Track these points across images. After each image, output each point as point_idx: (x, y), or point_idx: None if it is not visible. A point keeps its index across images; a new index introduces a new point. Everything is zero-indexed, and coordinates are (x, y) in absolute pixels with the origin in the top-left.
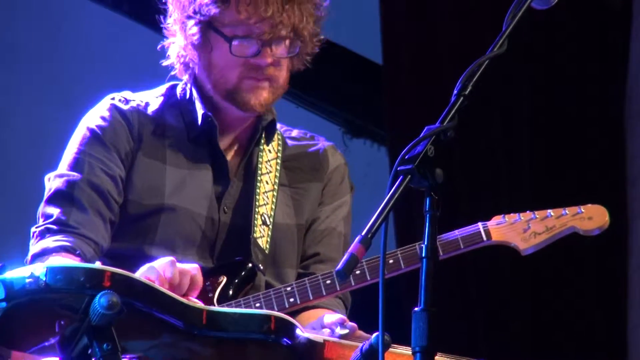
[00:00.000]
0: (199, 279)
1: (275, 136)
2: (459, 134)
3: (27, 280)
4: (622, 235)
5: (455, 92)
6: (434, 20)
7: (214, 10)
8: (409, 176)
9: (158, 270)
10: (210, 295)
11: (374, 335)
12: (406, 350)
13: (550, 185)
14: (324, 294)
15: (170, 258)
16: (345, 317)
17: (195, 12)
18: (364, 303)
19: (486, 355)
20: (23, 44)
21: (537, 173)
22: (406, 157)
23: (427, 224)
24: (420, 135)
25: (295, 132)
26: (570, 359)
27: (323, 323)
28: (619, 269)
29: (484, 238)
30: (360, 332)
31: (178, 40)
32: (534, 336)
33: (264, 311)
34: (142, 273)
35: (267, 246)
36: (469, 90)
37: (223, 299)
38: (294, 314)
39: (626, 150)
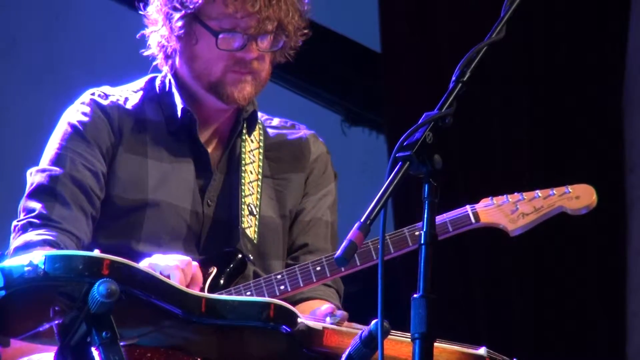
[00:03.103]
0: (199, 275)
1: (256, 125)
2: (458, 120)
3: (26, 269)
4: (621, 222)
5: (453, 78)
6: (432, 7)
7: (200, 2)
8: (408, 163)
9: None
10: (201, 285)
11: (374, 322)
12: (405, 337)
13: (548, 173)
14: (314, 280)
15: (176, 262)
16: (334, 306)
17: (180, 4)
18: (362, 291)
19: (486, 341)
20: (20, 34)
21: (535, 161)
22: (405, 143)
23: (425, 211)
24: (419, 122)
25: (275, 121)
26: (570, 345)
27: (315, 317)
28: (618, 255)
29: (473, 220)
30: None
31: (160, 30)
32: (533, 322)
33: (263, 299)
34: (163, 269)
35: (255, 236)
36: (467, 76)
37: (213, 289)
38: (292, 306)
39: (624, 136)
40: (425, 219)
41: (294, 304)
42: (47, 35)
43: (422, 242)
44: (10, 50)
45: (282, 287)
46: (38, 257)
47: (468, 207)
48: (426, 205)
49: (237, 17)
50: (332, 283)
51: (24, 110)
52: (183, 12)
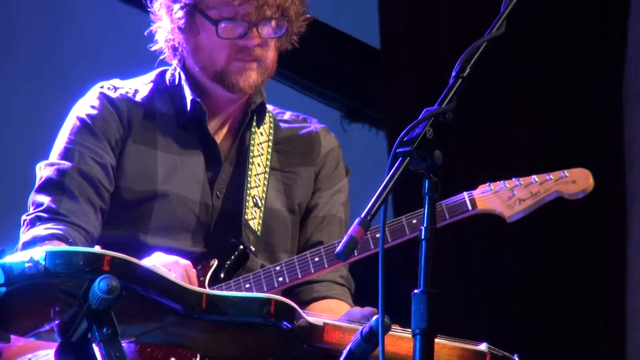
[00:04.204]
0: (193, 275)
1: (267, 119)
2: (458, 117)
3: (27, 265)
4: (621, 219)
5: (453, 74)
6: (431, 2)
7: None
8: (408, 158)
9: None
10: (201, 279)
11: (374, 318)
12: (406, 333)
13: (548, 169)
14: (312, 271)
15: (175, 258)
16: (374, 309)
17: None
18: (361, 286)
19: (487, 337)
20: (20, 31)
21: (535, 156)
22: (405, 139)
23: (426, 206)
24: (419, 118)
25: (287, 115)
26: (570, 341)
27: (351, 319)
28: (618, 251)
29: (469, 207)
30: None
31: (165, 25)
32: (533, 318)
33: (264, 295)
34: (164, 264)
35: (259, 228)
36: (467, 72)
37: (214, 282)
38: (306, 304)
39: (624, 133)
40: (425, 215)
41: (309, 302)
42: (47, 32)
43: (422, 237)
44: (10, 46)
45: (280, 279)
46: (39, 253)
47: (465, 194)
48: (426, 200)
49: (235, 4)
50: (344, 282)
51: (23, 107)
52: (183, 3)
